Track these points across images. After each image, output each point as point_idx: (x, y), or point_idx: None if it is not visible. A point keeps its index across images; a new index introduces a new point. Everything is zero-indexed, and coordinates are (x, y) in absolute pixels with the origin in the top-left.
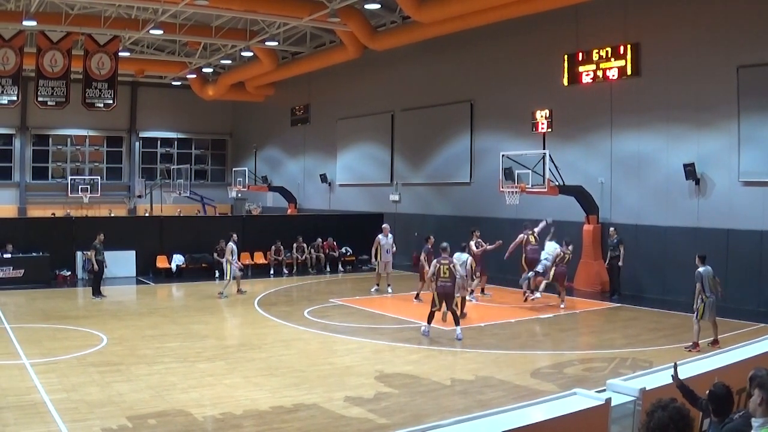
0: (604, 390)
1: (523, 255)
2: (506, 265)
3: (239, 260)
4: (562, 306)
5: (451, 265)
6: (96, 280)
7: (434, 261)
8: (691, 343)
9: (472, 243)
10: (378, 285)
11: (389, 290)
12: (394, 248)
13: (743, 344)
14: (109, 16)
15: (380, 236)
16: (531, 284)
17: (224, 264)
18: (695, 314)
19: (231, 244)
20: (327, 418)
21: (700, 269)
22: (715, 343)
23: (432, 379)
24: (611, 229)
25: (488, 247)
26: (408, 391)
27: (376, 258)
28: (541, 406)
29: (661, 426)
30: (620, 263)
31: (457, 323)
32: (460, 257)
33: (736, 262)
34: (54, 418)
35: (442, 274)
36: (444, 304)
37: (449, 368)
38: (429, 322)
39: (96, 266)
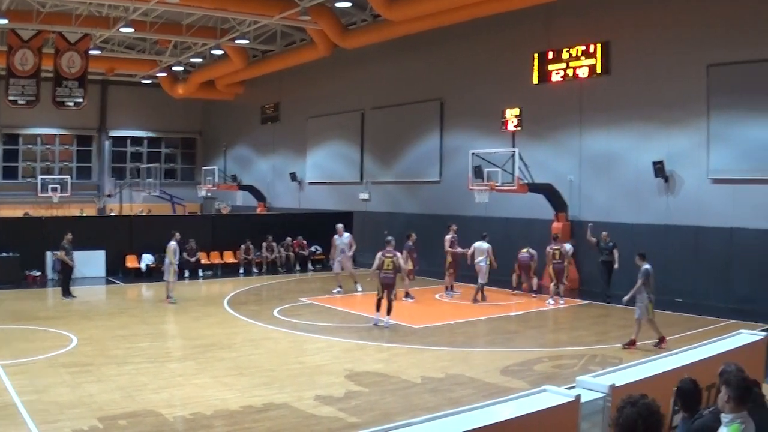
0: (574, 387)
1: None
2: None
3: (175, 262)
4: (550, 302)
5: (394, 258)
6: (65, 281)
7: (379, 254)
8: (657, 339)
9: (448, 237)
10: (340, 286)
11: (358, 288)
12: (353, 247)
13: (713, 340)
14: (80, 14)
15: (335, 236)
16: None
17: (166, 265)
18: (644, 312)
19: (172, 243)
20: (297, 417)
21: (647, 266)
22: (663, 340)
23: (402, 377)
24: (604, 233)
25: (458, 249)
26: (378, 390)
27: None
28: (511, 403)
29: (630, 422)
30: (616, 266)
31: (388, 312)
32: (482, 246)
33: (706, 259)
34: (24, 419)
35: (385, 267)
36: (385, 293)
37: (419, 366)
38: (377, 311)
39: (71, 264)
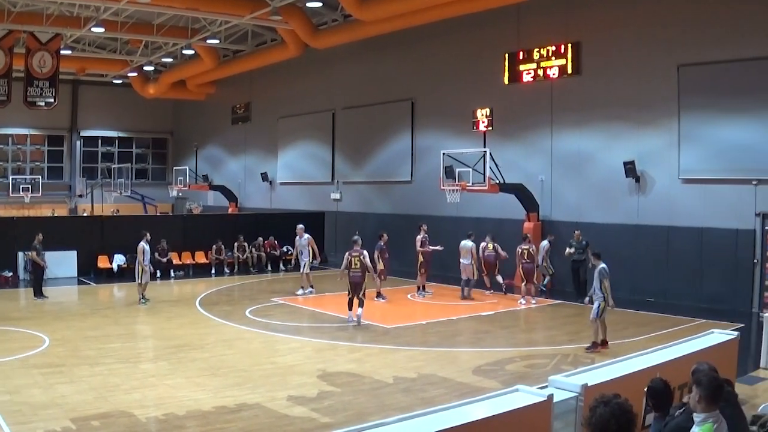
0: (546, 386)
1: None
2: (448, 262)
3: (148, 261)
4: (522, 301)
5: (361, 257)
6: (37, 281)
7: (347, 254)
8: (592, 343)
9: (419, 237)
10: (304, 287)
11: (305, 291)
12: (312, 248)
13: (684, 340)
14: (51, 14)
15: (297, 237)
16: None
17: (136, 266)
18: (597, 314)
19: (142, 244)
20: (270, 417)
21: (603, 265)
22: (604, 344)
23: (374, 377)
24: (576, 231)
25: (429, 248)
26: (351, 390)
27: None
28: (484, 403)
29: (603, 421)
30: (590, 265)
31: (359, 307)
32: (467, 244)
33: (677, 259)
34: None
35: (353, 266)
36: (354, 292)
37: (391, 366)
38: (350, 310)
39: (42, 264)
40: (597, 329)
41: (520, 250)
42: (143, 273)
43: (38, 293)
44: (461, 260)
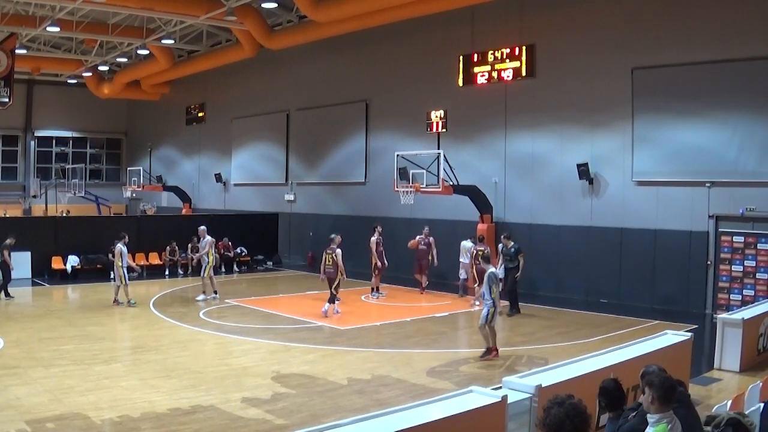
0: (500, 387)
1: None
2: (402, 264)
3: (133, 262)
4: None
5: (333, 255)
6: (5, 281)
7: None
8: (486, 350)
9: (373, 238)
10: (207, 293)
11: (207, 296)
12: (211, 250)
13: (639, 341)
14: (6, 13)
15: (119, 244)
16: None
17: (115, 268)
18: (485, 319)
19: (120, 246)
20: (224, 419)
21: (492, 270)
22: (494, 351)
23: (328, 378)
24: (503, 235)
25: (381, 250)
26: (305, 391)
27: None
28: (438, 404)
29: (557, 422)
30: (517, 275)
31: (330, 302)
32: (466, 245)
33: (630, 261)
34: None
35: (326, 262)
36: (329, 287)
37: (345, 367)
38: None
39: (12, 266)
40: (487, 335)
41: (474, 251)
42: (121, 275)
43: (6, 294)
44: (461, 259)
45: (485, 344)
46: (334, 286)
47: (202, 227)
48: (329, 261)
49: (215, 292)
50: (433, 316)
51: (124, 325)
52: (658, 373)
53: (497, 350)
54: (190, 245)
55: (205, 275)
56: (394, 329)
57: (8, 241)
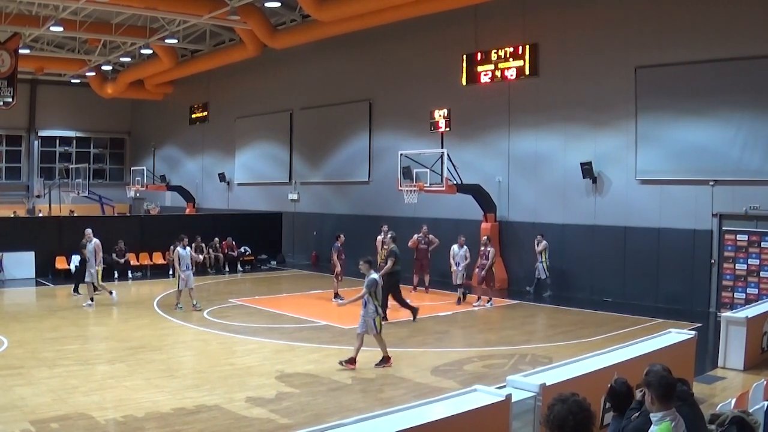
0: (505, 386)
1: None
2: (404, 264)
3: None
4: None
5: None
6: (78, 279)
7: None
8: (382, 358)
9: (380, 237)
10: (179, 303)
11: (89, 302)
12: (200, 257)
13: (642, 339)
14: (10, 13)
15: (179, 248)
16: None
17: (171, 271)
18: (370, 327)
19: (179, 249)
20: (229, 419)
21: (374, 276)
22: (387, 360)
23: (332, 378)
24: (391, 236)
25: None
26: (309, 391)
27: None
28: (442, 403)
29: (560, 418)
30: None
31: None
32: (456, 250)
33: (634, 259)
34: None
35: (383, 257)
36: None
37: None
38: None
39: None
40: (382, 343)
41: (467, 254)
42: (179, 279)
43: (76, 290)
44: (453, 267)
45: (382, 353)
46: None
47: (88, 230)
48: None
49: (91, 300)
50: (437, 315)
51: (127, 325)
52: (655, 373)
53: (389, 358)
54: (193, 245)
55: (91, 280)
56: (398, 328)
57: (85, 240)
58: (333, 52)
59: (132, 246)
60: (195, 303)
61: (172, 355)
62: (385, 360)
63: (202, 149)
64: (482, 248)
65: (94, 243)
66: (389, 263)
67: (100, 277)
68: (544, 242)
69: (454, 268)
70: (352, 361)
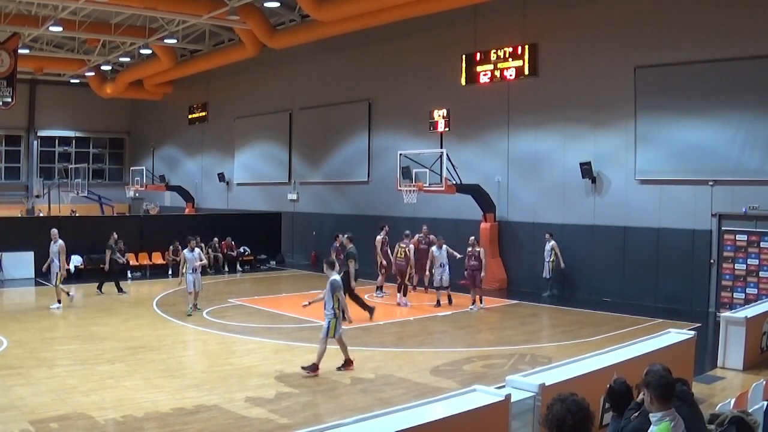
0: (504, 386)
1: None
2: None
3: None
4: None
5: (406, 249)
6: (113, 279)
7: (396, 245)
8: (311, 365)
9: (379, 237)
10: (196, 304)
11: (192, 310)
12: (203, 260)
13: (641, 339)
14: (9, 13)
15: (185, 251)
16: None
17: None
18: (325, 332)
19: (185, 252)
20: (228, 418)
21: (335, 277)
22: (349, 364)
23: (332, 378)
24: (347, 236)
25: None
26: (308, 391)
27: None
28: (442, 402)
29: (559, 418)
30: (353, 283)
31: (403, 294)
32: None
33: (633, 259)
34: None
35: (398, 255)
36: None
37: None
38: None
39: (122, 261)
40: (323, 351)
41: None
42: (185, 281)
43: (119, 289)
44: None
45: (344, 355)
46: (407, 278)
47: (54, 230)
48: (401, 254)
49: (59, 301)
50: (436, 315)
51: (127, 324)
52: (654, 373)
53: (352, 362)
54: (171, 247)
55: (57, 283)
56: (397, 328)
57: (111, 241)
58: (332, 52)
59: (131, 246)
60: (196, 304)
61: (171, 355)
62: (347, 364)
63: (201, 149)
64: (469, 249)
65: (59, 244)
66: (350, 266)
67: (59, 280)
68: (553, 242)
69: (435, 270)
70: (314, 367)
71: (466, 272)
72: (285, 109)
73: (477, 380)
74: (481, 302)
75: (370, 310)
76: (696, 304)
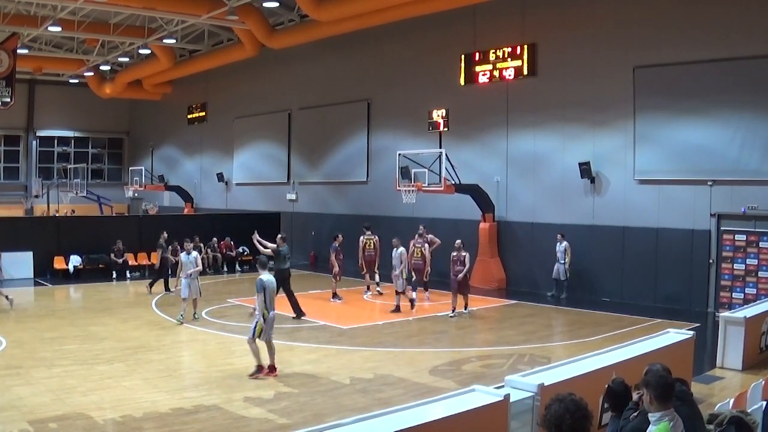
0: (503, 386)
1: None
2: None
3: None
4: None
5: (422, 248)
6: (163, 278)
7: (410, 243)
8: (255, 367)
9: (362, 238)
10: (194, 313)
11: (183, 318)
12: (199, 266)
13: (640, 339)
14: (8, 13)
15: (182, 254)
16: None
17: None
18: (252, 333)
19: (182, 256)
20: (227, 418)
21: (263, 277)
22: (272, 369)
23: (331, 378)
24: (281, 236)
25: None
26: (307, 391)
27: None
28: (441, 403)
29: (557, 418)
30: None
31: (425, 289)
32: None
33: (633, 259)
34: None
35: (415, 255)
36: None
37: (348, 367)
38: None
39: (173, 260)
40: (256, 351)
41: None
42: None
43: (166, 288)
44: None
45: (256, 360)
46: (424, 275)
47: (187, 242)
48: (418, 254)
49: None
50: (435, 315)
51: (126, 325)
52: (654, 373)
53: (275, 368)
54: (170, 247)
55: None
56: (396, 328)
57: (161, 240)
58: (331, 52)
59: (130, 246)
60: (194, 312)
61: (170, 355)
62: (259, 370)
63: (200, 149)
64: (454, 254)
65: (193, 255)
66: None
67: None
68: (565, 242)
69: (395, 272)
70: (272, 369)
71: (452, 277)
72: (284, 109)
73: (476, 380)
74: (465, 309)
75: (299, 313)
76: (695, 304)
